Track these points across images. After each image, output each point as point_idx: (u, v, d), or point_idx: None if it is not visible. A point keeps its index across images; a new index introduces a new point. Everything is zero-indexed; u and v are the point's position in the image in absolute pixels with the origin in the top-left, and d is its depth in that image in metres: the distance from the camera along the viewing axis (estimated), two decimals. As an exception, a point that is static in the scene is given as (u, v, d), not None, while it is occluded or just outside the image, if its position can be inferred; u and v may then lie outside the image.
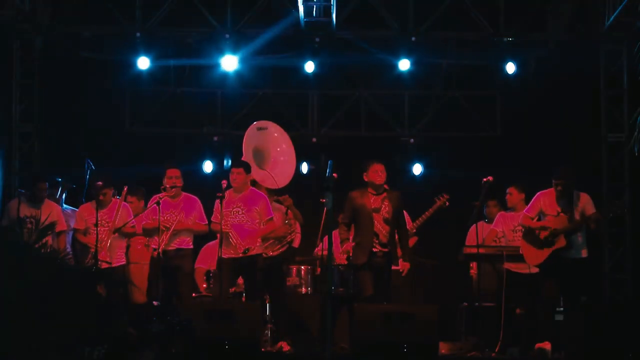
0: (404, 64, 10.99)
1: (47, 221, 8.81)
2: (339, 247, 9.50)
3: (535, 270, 8.70)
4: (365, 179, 8.54)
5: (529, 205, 8.80)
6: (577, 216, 8.45)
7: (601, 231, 8.57)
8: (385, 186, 8.52)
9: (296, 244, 9.51)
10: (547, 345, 8.28)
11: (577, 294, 8.50)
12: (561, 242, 8.43)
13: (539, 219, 8.65)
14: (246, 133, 9.57)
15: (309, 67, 11.03)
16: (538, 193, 8.71)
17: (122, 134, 11.34)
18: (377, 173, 8.47)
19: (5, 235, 7.97)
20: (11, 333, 6.61)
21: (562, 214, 8.48)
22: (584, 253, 8.53)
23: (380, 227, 8.36)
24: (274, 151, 9.54)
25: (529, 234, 8.65)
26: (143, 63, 10.94)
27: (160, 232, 8.78)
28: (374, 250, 8.35)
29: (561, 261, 8.44)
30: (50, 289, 7.12)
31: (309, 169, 11.35)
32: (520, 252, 8.77)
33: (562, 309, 8.90)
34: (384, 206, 8.41)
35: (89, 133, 11.23)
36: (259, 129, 9.61)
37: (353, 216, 8.49)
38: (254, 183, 9.19)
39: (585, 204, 8.51)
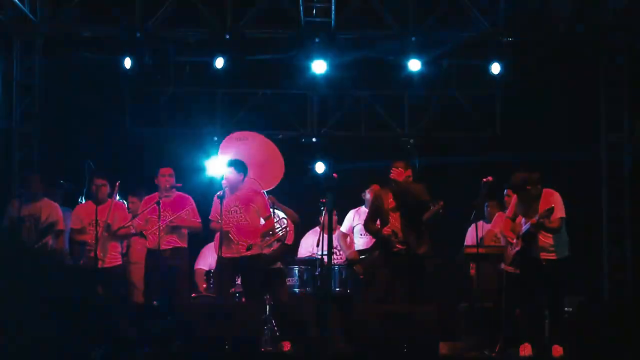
0: (414, 64, 10.94)
1: (48, 221, 8.83)
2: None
3: None
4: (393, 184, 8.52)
5: (509, 207, 8.78)
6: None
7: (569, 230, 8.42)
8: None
9: (289, 240, 9.48)
10: (527, 349, 8.25)
11: (551, 295, 8.35)
12: (517, 245, 8.38)
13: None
14: (223, 144, 9.64)
15: (319, 67, 10.98)
16: (513, 195, 8.69)
17: (122, 134, 11.33)
18: (395, 174, 8.42)
19: (6, 235, 8.00)
20: (10, 332, 6.62)
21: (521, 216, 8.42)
22: (550, 255, 8.29)
23: (399, 225, 8.32)
24: (255, 159, 9.56)
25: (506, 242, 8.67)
26: (127, 63, 10.94)
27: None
28: (394, 250, 8.31)
29: (527, 260, 8.36)
30: (50, 289, 7.14)
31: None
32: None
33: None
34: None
35: (89, 133, 11.22)
36: (238, 139, 9.71)
37: (377, 214, 8.48)
38: None
39: (552, 202, 8.31)
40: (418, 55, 10.88)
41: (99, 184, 9.09)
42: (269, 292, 9.25)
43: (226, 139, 9.73)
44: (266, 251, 9.13)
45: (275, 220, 9.23)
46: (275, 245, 9.25)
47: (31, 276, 7.45)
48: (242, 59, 11.02)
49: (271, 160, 9.64)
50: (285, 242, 9.38)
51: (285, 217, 9.43)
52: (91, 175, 9.40)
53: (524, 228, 8.28)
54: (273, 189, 9.53)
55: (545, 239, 8.29)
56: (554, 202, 8.26)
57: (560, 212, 8.27)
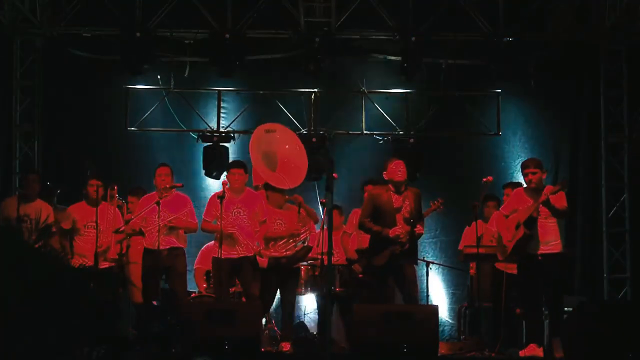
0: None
1: (47, 221, 8.81)
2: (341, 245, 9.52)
3: None
4: (386, 177, 8.43)
5: (505, 202, 8.73)
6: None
7: (570, 227, 8.33)
8: (404, 186, 8.40)
9: (312, 243, 9.45)
10: (532, 350, 8.24)
11: (551, 292, 8.31)
12: (519, 233, 8.26)
13: None
14: (253, 136, 9.55)
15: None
16: (515, 190, 8.65)
17: (122, 134, 11.33)
18: (396, 170, 8.38)
19: (5, 234, 7.98)
20: (10, 333, 6.61)
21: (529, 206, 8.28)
22: (550, 249, 8.23)
23: (402, 227, 8.29)
24: (284, 152, 9.51)
25: (499, 244, 8.56)
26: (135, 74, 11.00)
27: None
28: (395, 251, 8.28)
29: (526, 256, 8.28)
30: (50, 289, 7.13)
31: None
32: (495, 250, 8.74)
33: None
34: (405, 205, 8.31)
35: (89, 133, 11.23)
36: (267, 131, 9.60)
37: (374, 214, 8.42)
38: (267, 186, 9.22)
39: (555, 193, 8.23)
40: (417, 55, 10.88)
41: (94, 184, 9.08)
42: (280, 291, 9.20)
43: (256, 131, 9.64)
44: (289, 252, 9.12)
45: (298, 222, 9.23)
46: (299, 246, 9.25)
47: (31, 276, 7.44)
48: (242, 59, 11.01)
49: (298, 156, 9.57)
50: (308, 244, 9.37)
51: (307, 218, 9.39)
52: (88, 176, 9.39)
53: (530, 210, 8.18)
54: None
55: (546, 233, 8.26)
56: (559, 194, 8.25)
57: (564, 202, 8.26)
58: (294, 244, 9.18)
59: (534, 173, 8.28)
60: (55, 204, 9.71)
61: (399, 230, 8.20)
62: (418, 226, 8.35)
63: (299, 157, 9.55)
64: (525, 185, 8.48)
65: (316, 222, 9.48)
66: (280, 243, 9.10)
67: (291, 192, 9.37)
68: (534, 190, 8.29)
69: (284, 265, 9.01)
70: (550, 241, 8.24)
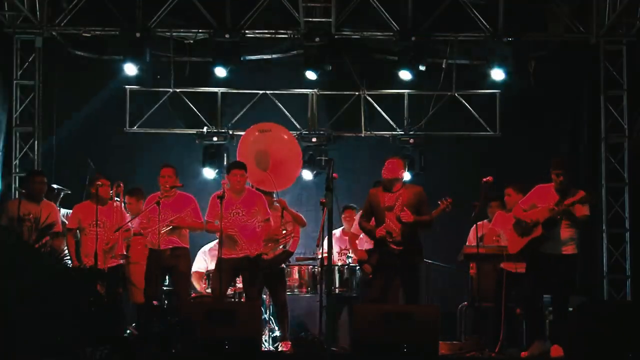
0: (405, 74, 10.98)
1: (47, 222, 8.81)
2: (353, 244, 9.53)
3: None
4: (383, 176, 8.46)
5: (525, 196, 8.72)
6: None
7: (579, 226, 8.35)
8: (398, 184, 8.40)
9: (293, 248, 9.44)
10: (535, 349, 8.24)
11: (559, 293, 8.31)
12: (537, 232, 8.24)
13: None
14: (245, 135, 9.58)
15: (310, 75, 11.02)
16: (537, 186, 8.64)
17: (122, 134, 11.33)
18: (386, 168, 8.40)
19: (5, 234, 7.98)
20: (11, 333, 6.61)
21: (553, 205, 8.26)
22: (567, 250, 8.24)
23: (394, 226, 8.24)
24: (279, 153, 9.50)
25: (517, 225, 8.49)
26: (129, 69, 10.93)
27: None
28: (388, 249, 8.28)
29: (539, 256, 8.28)
30: (50, 289, 7.13)
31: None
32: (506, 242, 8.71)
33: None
34: (397, 204, 8.30)
35: (89, 133, 11.23)
36: (262, 131, 9.60)
37: (370, 213, 8.44)
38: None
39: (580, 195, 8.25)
40: (417, 55, 10.88)
41: (100, 184, 9.09)
42: (269, 292, 9.24)
43: (248, 130, 9.65)
44: (268, 257, 9.11)
45: (280, 226, 9.21)
46: (279, 250, 9.24)
47: (31, 276, 7.44)
48: (242, 59, 11.02)
49: (290, 157, 9.55)
50: (289, 249, 9.35)
51: (292, 222, 9.37)
52: (92, 176, 9.40)
53: (552, 213, 8.14)
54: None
55: (564, 234, 8.23)
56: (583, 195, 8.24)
57: (586, 210, 8.26)
58: (272, 247, 9.16)
59: (564, 175, 8.27)
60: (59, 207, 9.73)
61: (382, 230, 8.21)
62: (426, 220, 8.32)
63: (292, 158, 9.54)
64: (538, 184, 8.48)
65: (302, 226, 9.47)
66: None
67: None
68: (562, 190, 8.28)
69: (263, 268, 9.00)
70: (568, 242, 8.25)
